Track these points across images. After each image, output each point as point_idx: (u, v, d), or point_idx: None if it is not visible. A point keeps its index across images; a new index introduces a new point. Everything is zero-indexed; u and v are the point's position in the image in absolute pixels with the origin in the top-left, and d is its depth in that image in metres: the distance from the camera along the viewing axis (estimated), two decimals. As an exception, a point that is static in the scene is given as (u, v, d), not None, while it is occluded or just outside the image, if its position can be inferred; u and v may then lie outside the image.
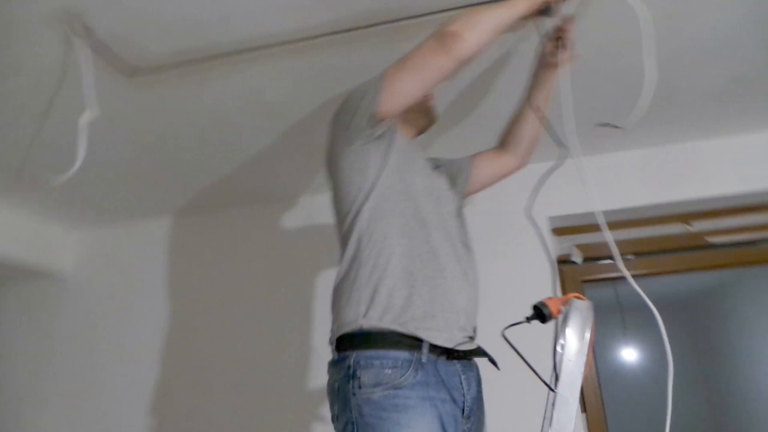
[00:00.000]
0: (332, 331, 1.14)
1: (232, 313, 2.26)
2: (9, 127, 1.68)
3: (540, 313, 0.89)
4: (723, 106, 1.84)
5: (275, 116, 1.73)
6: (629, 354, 5.14)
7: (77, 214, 2.39)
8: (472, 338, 1.17)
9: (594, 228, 2.21)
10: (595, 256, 2.17)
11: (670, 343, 0.93)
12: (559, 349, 0.87)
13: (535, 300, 2.11)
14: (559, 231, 2.20)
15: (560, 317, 0.89)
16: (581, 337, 0.85)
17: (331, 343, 1.14)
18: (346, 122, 1.18)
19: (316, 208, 2.31)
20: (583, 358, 0.84)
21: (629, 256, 2.19)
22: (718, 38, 1.50)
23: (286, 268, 2.25)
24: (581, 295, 0.92)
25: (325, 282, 2.20)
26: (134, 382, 2.26)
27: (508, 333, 0.90)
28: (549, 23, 1.28)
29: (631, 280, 1.07)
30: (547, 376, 0.90)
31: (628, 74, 1.60)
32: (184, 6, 1.24)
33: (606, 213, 2.08)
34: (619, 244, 2.18)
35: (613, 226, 2.16)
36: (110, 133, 1.74)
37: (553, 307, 0.89)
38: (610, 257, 2.19)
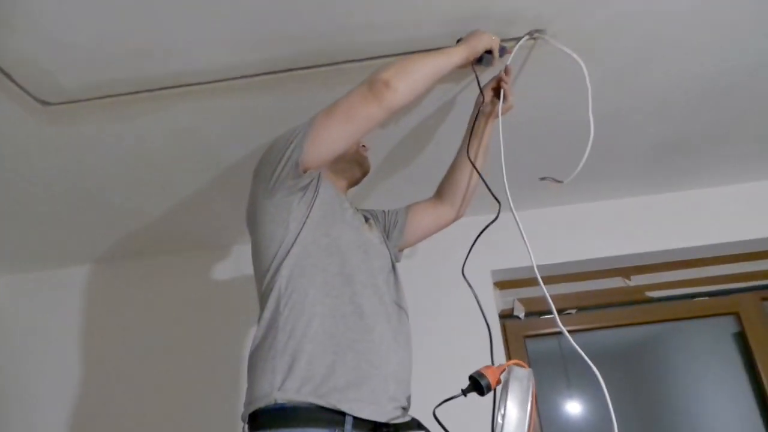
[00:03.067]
0: (245, 405, 1.01)
1: (152, 369, 2.05)
2: None
3: (477, 385, 0.81)
4: (659, 164, 1.88)
5: (207, 158, 1.62)
6: (573, 407, 5.11)
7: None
8: (405, 409, 1.06)
9: (537, 282, 2.19)
10: (538, 310, 2.14)
11: (613, 392, 0.87)
12: (499, 419, 0.78)
13: (476, 361, 2.03)
14: (501, 285, 2.16)
15: (499, 387, 0.81)
16: (522, 407, 0.77)
17: (243, 420, 1.01)
18: (270, 171, 1.09)
19: (248, 256, 2.18)
20: (524, 430, 0.76)
21: (571, 310, 2.17)
22: (657, 98, 1.54)
23: (215, 323, 2.08)
24: (521, 362, 0.84)
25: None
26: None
27: (443, 408, 0.81)
28: (486, 73, 1.26)
29: (569, 337, 1.01)
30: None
31: (567, 129, 1.61)
32: (108, 35, 1.14)
33: (547, 267, 2.07)
34: (562, 297, 2.20)
35: (555, 279, 2.16)
36: (21, 170, 1.58)
37: (491, 377, 0.81)
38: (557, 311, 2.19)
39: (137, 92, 1.32)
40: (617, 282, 2.15)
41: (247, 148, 1.60)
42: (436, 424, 0.88)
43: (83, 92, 1.30)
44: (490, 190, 1.18)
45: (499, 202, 1.15)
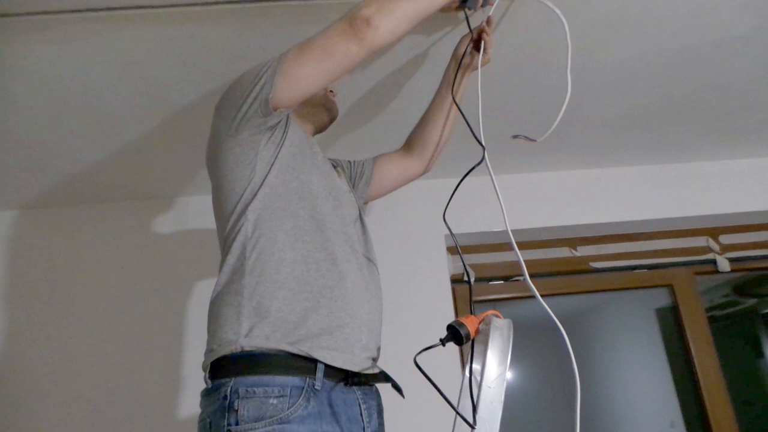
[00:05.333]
0: (206, 353, 0.95)
1: (85, 326, 1.91)
2: None
3: (456, 334, 0.78)
4: (616, 137, 1.91)
5: (154, 97, 1.48)
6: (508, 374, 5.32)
7: None
8: (374, 360, 1.03)
9: (486, 248, 2.21)
10: (483, 276, 2.16)
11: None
12: (475, 375, 0.76)
13: (436, 319, 2.03)
14: (452, 250, 2.16)
15: (477, 338, 0.79)
16: (502, 360, 0.75)
17: (204, 368, 0.95)
18: (235, 108, 1.01)
19: (194, 210, 2.06)
20: (503, 385, 0.73)
21: (518, 277, 2.21)
22: (625, 69, 1.54)
23: (154, 277, 1.96)
24: (498, 313, 0.82)
25: (201, 296, 1.94)
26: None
27: (421, 359, 0.77)
28: (469, 17, 1.21)
29: (542, 301, 1.00)
30: (459, 406, 0.78)
31: (541, 89, 1.60)
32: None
33: (498, 234, 2.09)
34: (510, 264, 2.24)
35: (504, 247, 2.18)
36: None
37: (470, 326, 0.78)
38: (502, 278, 2.22)
39: (77, 11, 1.17)
40: (564, 252, 2.20)
41: (200, 90, 1.47)
42: (407, 371, 0.85)
43: (10, 4, 1.13)
44: (473, 133, 1.14)
45: (483, 146, 1.10)
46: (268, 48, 1.32)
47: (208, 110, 1.48)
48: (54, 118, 1.53)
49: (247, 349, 0.89)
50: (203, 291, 1.95)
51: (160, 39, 1.28)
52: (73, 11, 1.15)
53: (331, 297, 0.96)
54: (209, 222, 1.96)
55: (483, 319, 0.81)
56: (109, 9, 1.16)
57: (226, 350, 0.90)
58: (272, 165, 1.01)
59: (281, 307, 0.92)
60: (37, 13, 1.15)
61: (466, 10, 1.18)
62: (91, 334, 1.89)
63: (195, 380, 1.83)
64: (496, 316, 0.81)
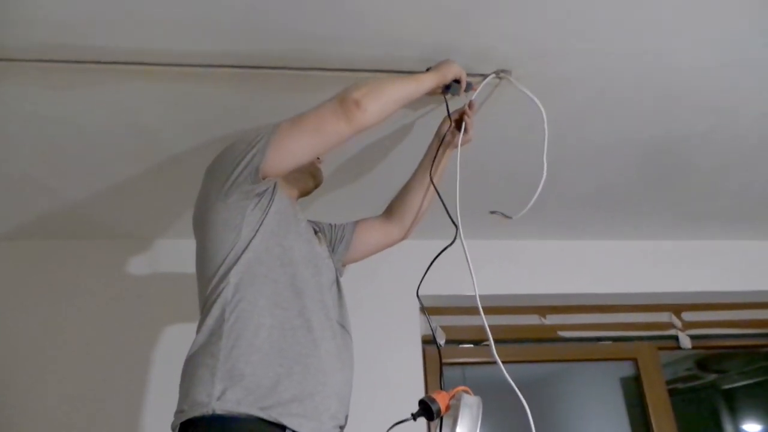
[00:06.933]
0: (176, 413, 0.95)
1: (49, 360, 1.85)
2: None
3: (427, 409, 0.81)
4: (588, 212, 2.00)
5: (146, 144, 1.52)
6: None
7: None
8: (341, 428, 1.04)
9: (457, 311, 2.24)
10: (454, 338, 2.17)
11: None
12: (443, 447, 0.78)
13: (405, 380, 2.02)
14: (423, 311, 2.19)
15: (447, 414, 0.82)
16: (469, 437, 0.77)
17: (173, 428, 0.95)
18: (226, 173, 1.06)
19: (169, 253, 2.05)
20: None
21: (487, 342, 2.23)
22: (598, 151, 1.64)
23: (124, 317, 1.92)
24: (468, 389, 0.85)
25: (169, 341, 1.91)
26: None
27: None
28: (450, 102, 1.30)
29: (502, 366, 1.05)
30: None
31: (517, 168, 1.69)
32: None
33: (469, 297, 2.13)
34: (480, 329, 2.26)
35: (474, 311, 2.21)
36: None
37: (441, 402, 0.81)
38: (472, 341, 2.24)
39: (83, 62, 1.22)
40: (534, 319, 2.24)
41: (190, 141, 1.52)
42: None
43: (22, 51, 1.18)
44: (449, 214, 1.21)
45: (457, 226, 1.17)
46: (262, 110, 1.38)
47: (196, 159, 1.53)
48: (43, 156, 1.55)
49: (218, 412, 0.89)
50: (172, 336, 1.92)
51: (158, 92, 1.33)
52: (79, 62, 1.20)
53: (305, 364, 0.98)
54: (183, 266, 1.97)
55: (453, 395, 0.84)
56: (114, 63, 1.21)
57: (197, 412, 0.90)
58: (257, 230, 1.05)
59: (255, 371, 0.93)
60: (46, 61, 1.19)
61: (448, 95, 1.27)
62: (54, 368, 1.84)
63: (156, 429, 1.78)
64: (467, 393, 0.84)
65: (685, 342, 2.25)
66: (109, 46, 1.17)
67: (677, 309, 2.32)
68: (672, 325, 2.29)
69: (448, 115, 1.29)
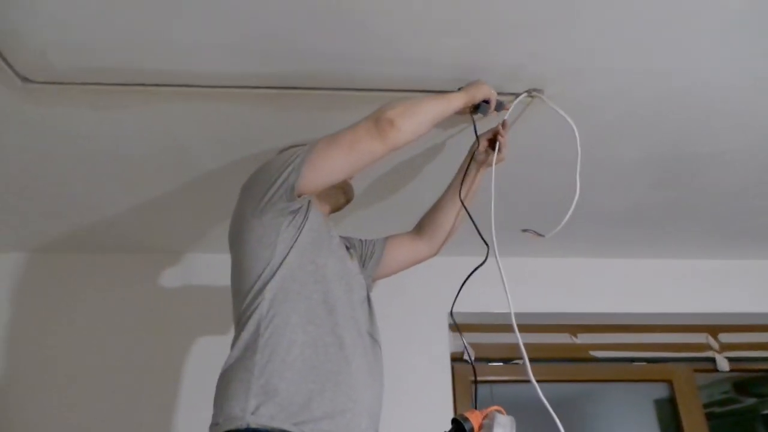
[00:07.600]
0: (211, 426, 0.97)
1: (81, 370, 1.90)
2: None
3: (460, 428, 0.81)
4: (620, 230, 1.98)
5: (182, 161, 1.57)
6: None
7: None
8: (373, 443, 1.05)
9: (487, 328, 2.22)
10: (483, 356, 2.16)
11: None
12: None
13: (434, 398, 2.01)
14: (453, 327, 2.18)
15: (480, 434, 0.81)
16: (503, 458, 0.77)
17: None
18: (262, 191, 1.09)
19: (201, 266, 2.09)
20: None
21: (517, 360, 2.21)
22: (629, 169, 1.63)
23: (155, 330, 1.97)
24: (502, 409, 0.85)
25: (200, 354, 1.95)
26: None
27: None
28: (481, 123, 1.31)
29: (536, 386, 1.04)
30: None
31: (550, 186, 1.68)
32: (108, 21, 1.09)
33: (500, 315, 2.11)
34: (510, 347, 2.24)
35: (505, 328, 2.19)
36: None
37: (474, 421, 0.81)
38: (501, 359, 2.22)
39: (126, 84, 1.27)
40: (565, 338, 2.21)
41: (225, 158, 1.56)
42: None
43: (69, 75, 1.23)
44: (480, 233, 1.22)
45: (487, 244, 1.18)
46: (294, 129, 1.40)
47: (228, 176, 1.58)
48: (80, 172, 1.61)
49: (252, 426, 0.91)
50: (203, 348, 1.96)
51: (197, 112, 1.37)
52: (123, 84, 1.25)
53: (336, 381, 0.99)
54: (214, 279, 2.01)
55: (487, 415, 0.83)
56: (157, 85, 1.25)
57: (231, 426, 0.92)
58: (291, 247, 1.07)
59: (288, 387, 0.95)
60: (91, 84, 1.24)
61: (477, 115, 1.28)
62: (86, 384, 1.89)
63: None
64: (500, 412, 0.84)
65: (723, 364, 2.19)
66: (147, 69, 1.22)
67: (713, 330, 2.26)
68: (709, 347, 2.22)
69: (476, 134, 1.30)
